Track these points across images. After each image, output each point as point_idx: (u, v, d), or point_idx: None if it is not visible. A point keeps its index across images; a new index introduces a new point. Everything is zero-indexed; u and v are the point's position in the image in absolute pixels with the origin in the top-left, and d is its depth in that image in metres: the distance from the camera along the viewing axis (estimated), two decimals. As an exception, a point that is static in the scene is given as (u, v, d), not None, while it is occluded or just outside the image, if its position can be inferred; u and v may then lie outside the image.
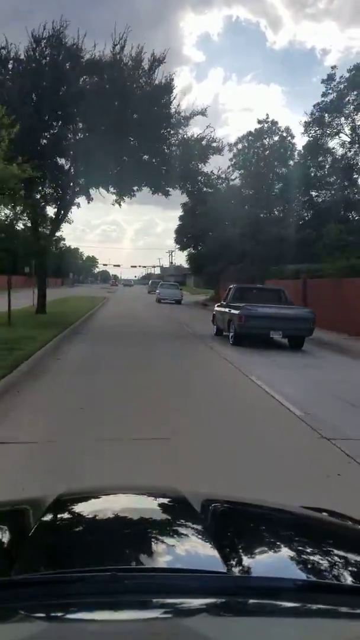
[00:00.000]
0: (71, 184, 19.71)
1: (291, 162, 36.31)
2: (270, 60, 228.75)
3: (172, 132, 18.83)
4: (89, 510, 1.52)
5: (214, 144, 19.93)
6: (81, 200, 20.37)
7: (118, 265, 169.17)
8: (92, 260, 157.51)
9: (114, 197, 20.15)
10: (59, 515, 1.44)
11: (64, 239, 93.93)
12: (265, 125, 37.34)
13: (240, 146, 38.14)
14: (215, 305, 17.49)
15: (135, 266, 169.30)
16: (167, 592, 0.96)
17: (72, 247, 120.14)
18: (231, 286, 16.45)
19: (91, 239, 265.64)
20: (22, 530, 1.32)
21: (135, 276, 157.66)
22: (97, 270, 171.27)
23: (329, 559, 1.28)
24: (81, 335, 15.23)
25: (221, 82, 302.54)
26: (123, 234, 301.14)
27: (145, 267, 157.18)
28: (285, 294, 15.82)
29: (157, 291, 41.80)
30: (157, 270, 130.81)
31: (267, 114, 38.21)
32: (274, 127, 37.32)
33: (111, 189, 19.90)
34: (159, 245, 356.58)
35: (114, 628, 0.91)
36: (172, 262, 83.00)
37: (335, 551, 1.34)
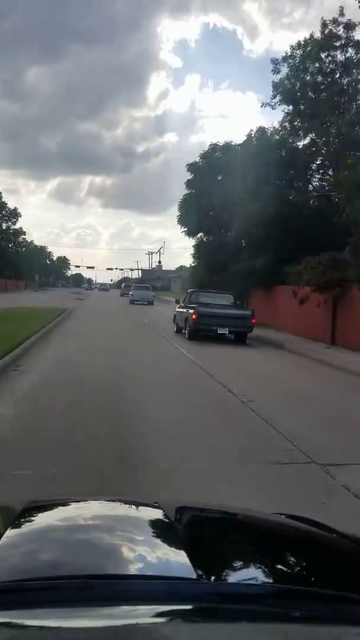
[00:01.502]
0: None
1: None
2: (246, 68, 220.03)
3: None
4: (59, 518, 1.46)
5: None
6: None
7: (92, 267, 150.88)
8: (64, 262, 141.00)
9: None
10: (28, 523, 1.38)
11: (24, 233, 78.35)
12: (335, 29, 22.39)
13: (288, 67, 23.22)
14: (176, 307, 19.12)
15: (111, 268, 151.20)
16: (139, 599, 0.94)
17: (39, 245, 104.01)
18: (189, 290, 19.85)
19: (66, 242, 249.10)
20: None
21: (112, 280, 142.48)
22: (69, 272, 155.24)
23: (301, 565, 1.32)
24: None
25: (198, 89, 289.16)
26: (99, 237, 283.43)
27: (122, 269, 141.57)
28: (233, 298, 18.73)
29: (130, 293, 43.90)
30: (136, 274, 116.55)
31: (339, 14, 21.96)
32: (349, 34, 22.39)
33: None
34: (133, 251, 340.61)
35: (85, 636, 0.90)
36: (159, 262, 66.77)
37: (307, 557, 1.35)
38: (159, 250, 64.38)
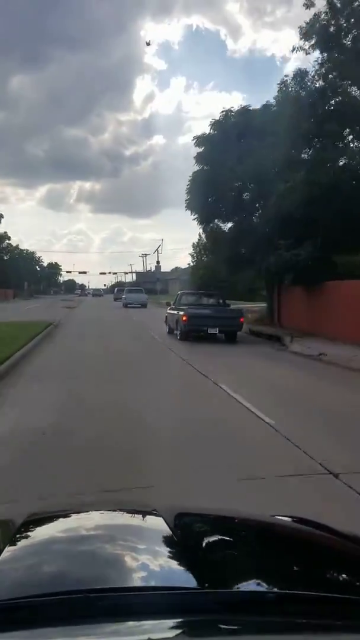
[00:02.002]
0: None
1: None
2: (231, 68, 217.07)
3: None
4: (59, 530, 1.45)
5: None
6: None
7: (84, 272, 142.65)
8: (55, 268, 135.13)
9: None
10: (28, 537, 1.35)
11: (8, 237, 72.34)
12: None
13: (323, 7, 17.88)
14: (167, 309, 19.18)
15: (104, 273, 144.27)
16: (143, 612, 0.91)
17: (24, 250, 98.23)
18: (179, 292, 20.13)
19: (57, 249, 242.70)
20: None
21: (105, 284, 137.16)
22: (62, 279, 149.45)
23: (305, 569, 1.26)
24: None
25: (183, 90, 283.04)
26: (90, 243, 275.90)
27: (115, 273, 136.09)
28: (222, 297, 18.62)
29: (124, 296, 44.66)
30: (130, 277, 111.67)
31: None
32: None
33: None
34: (127, 253, 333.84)
35: None
36: (158, 263, 60.05)
37: (310, 561, 1.31)
38: (156, 250, 57.14)
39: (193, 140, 21.86)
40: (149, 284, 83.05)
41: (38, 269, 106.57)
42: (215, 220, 21.56)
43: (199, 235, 35.27)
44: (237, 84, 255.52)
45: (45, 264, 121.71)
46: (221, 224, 21.47)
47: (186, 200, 21.23)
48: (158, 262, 57.77)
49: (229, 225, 21.14)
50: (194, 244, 75.74)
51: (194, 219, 21.25)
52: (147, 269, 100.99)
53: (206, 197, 20.32)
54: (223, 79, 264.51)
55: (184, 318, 15.74)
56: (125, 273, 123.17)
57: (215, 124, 21.25)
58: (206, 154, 20.75)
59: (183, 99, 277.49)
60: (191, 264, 78.84)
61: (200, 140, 21.46)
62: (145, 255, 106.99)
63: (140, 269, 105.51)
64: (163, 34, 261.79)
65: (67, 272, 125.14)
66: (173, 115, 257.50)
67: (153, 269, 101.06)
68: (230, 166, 18.99)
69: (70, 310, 35.68)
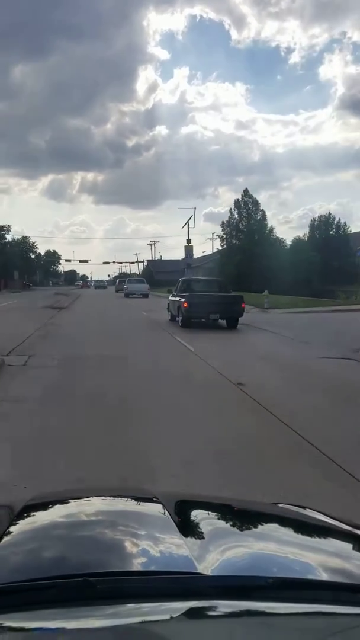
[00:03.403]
0: None
1: None
2: (235, 58, 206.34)
3: None
4: (59, 515, 1.44)
5: None
6: None
7: (85, 261, 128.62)
8: (53, 256, 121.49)
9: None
10: (27, 521, 1.33)
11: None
12: None
13: None
14: (169, 296, 19.39)
15: (108, 262, 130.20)
16: (143, 595, 0.92)
17: (18, 236, 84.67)
18: (180, 279, 19.49)
19: (60, 240, 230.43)
20: None
21: (109, 275, 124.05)
22: (62, 269, 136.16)
23: (305, 555, 1.24)
24: None
25: (187, 81, 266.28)
26: (93, 234, 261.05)
27: (121, 263, 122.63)
28: (224, 283, 19.31)
29: (125, 286, 44.71)
30: (135, 268, 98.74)
31: None
32: None
33: None
34: (129, 245, 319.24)
35: (91, 637, 0.87)
36: (188, 242, 44.37)
37: (310, 547, 1.31)
38: (186, 223, 40.14)
39: None
40: (163, 274, 69.17)
41: (32, 256, 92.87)
42: None
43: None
44: (240, 74, 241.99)
45: (42, 252, 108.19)
46: None
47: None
48: (189, 240, 38.87)
49: None
50: (223, 222, 62.29)
51: None
52: (156, 257, 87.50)
53: None
54: (226, 69, 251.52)
55: (184, 304, 15.76)
56: (131, 262, 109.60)
57: None
58: None
59: (186, 89, 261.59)
60: (219, 248, 65.34)
61: None
62: (154, 242, 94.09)
63: (145, 258, 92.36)
64: (166, 24, 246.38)
65: (67, 260, 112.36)
66: (176, 105, 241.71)
67: (163, 257, 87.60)
68: None
69: (58, 312, 22.29)
